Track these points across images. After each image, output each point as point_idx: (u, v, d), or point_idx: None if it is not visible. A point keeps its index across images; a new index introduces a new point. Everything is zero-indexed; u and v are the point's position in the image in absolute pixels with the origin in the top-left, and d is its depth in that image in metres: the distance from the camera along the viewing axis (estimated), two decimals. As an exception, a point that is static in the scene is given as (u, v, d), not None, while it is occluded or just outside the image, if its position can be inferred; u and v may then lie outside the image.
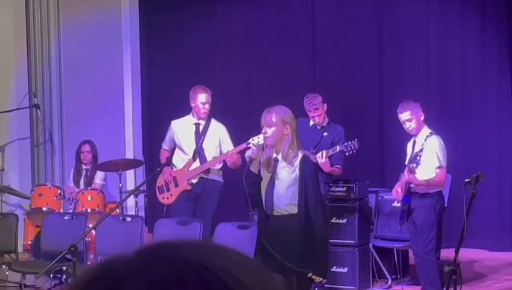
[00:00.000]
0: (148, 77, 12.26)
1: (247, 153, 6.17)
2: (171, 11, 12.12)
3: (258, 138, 7.18)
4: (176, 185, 8.39)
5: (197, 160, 8.34)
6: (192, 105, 8.42)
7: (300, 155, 5.93)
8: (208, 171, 8.35)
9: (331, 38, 11.21)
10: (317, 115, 8.24)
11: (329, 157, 8.00)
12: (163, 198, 8.54)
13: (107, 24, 11.74)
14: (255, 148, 6.16)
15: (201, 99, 8.34)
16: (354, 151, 7.91)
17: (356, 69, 11.04)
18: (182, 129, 8.50)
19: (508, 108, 10.18)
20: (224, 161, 8.31)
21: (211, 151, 8.38)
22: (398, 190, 7.51)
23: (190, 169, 8.33)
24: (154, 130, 11.60)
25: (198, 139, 8.39)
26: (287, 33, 11.52)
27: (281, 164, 5.94)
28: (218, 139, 8.40)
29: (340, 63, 11.15)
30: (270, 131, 5.91)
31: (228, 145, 8.38)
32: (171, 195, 8.44)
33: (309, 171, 5.91)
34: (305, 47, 11.45)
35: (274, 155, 5.98)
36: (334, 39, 11.19)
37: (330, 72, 11.15)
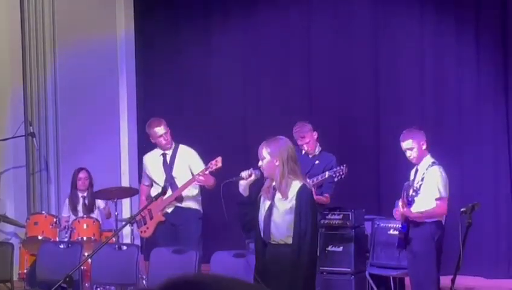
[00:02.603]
0: (144, 105, 12.27)
1: (242, 174, 6.27)
2: (168, 39, 12.16)
3: (216, 161, 7.39)
4: (151, 218, 8.41)
5: (169, 190, 8.32)
6: (153, 141, 8.49)
7: (298, 185, 5.95)
8: (181, 199, 8.33)
9: (327, 60, 11.22)
10: (304, 143, 8.26)
11: (321, 185, 8.01)
12: (141, 231, 8.57)
13: (103, 53, 11.78)
14: (250, 171, 6.25)
15: (159, 132, 8.40)
16: (343, 176, 7.92)
17: (352, 98, 11.05)
18: (151, 162, 8.58)
19: (503, 136, 10.18)
20: (201, 189, 8.36)
21: (182, 178, 8.38)
22: (397, 213, 7.43)
23: (163, 199, 8.32)
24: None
25: (167, 169, 8.41)
26: (284, 56, 11.55)
27: (278, 193, 6.00)
28: (188, 165, 8.41)
29: (336, 93, 11.16)
30: (263, 164, 6.04)
31: (198, 169, 8.36)
32: (147, 228, 8.45)
33: (304, 201, 5.91)
34: (302, 68, 11.46)
35: (273, 183, 6.04)
36: (329, 62, 11.19)
37: (326, 100, 11.16)
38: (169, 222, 8.32)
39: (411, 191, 7.30)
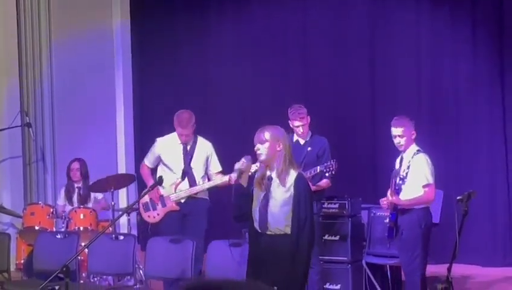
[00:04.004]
0: (140, 94, 12.27)
1: (236, 166, 6.08)
2: (163, 29, 12.15)
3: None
4: (164, 205, 8.34)
5: (186, 179, 8.31)
6: (177, 131, 8.41)
7: (294, 174, 5.88)
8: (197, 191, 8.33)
9: (323, 53, 11.24)
10: (302, 124, 8.20)
11: (313, 176, 7.99)
12: (148, 216, 8.47)
13: (99, 42, 11.77)
14: (244, 160, 6.08)
15: (179, 132, 8.30)
16: (333, 172, 7.91)
17: (348, 87, 11.06)
18: (168, 148, 8.44)
19: (499, 126, 10.20)
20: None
21: (199, 170, 8.36)
22: (385, 202, 7.49)
23: (178, 189, 8.28)
24: (146, 147, 11.53)
25: (186, 159, 8.35)
26: (280, 49, 11.55)
27: (275, 183, 5.89)
28: (206, 157, 8.39)
29: (332, 81, 11.17)
30: (262, 147, 5.85)
31: (215, 163, 8.38)
32: (157, 214, 8.38)
33: (303, 190, 5.85)
34: (297, 62, 11.47)
35: (268, 173, 5.93)
36: (326, 55, 11.21)
37: (322, 91, 11.17)
38: (182, 212, 8.30)
39: (397, 179, 7.35)
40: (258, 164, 6.16)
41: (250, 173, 6.11)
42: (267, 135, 5.84)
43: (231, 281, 1.13)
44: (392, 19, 10.84)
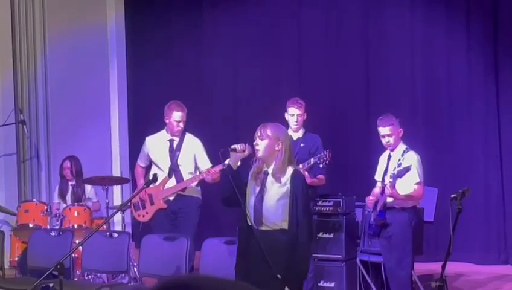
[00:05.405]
0: (134, 92, 12.26)
1: (234, 145, 6.12)
2: (158, 27, 12.14)
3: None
4: (152, 203, 8.34)
5: (173, 177, 8.29)
6: (167, 121, 8.36)
7: (291, 170, 5.89)
8: (184, 188, 8.30)
9: (317, 50, 11.25)
10: (298, 113, 8.16)
11: (309, 170, 7.99)
12: (138, 215, 8.48)
13: (94, 40, 11.75)
14: (244, 144, 6.13)
15: (176, 117, 8.28)
16: (327, 162, 7.90)
17: (342, 86, 11.07)
18: (155, 145, 8.44)
19: (494, 124, 10.21)
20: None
21: (186, 167, 8.33)
22: (371, 199, 7.51)
23: (166, 187, 8.27)
24: (141, 145, 11.58)
25: (172, 156, 8.32)
26: (274, 45, 11.55)
27: (270, 178, 5.90)
28: (194, 155, 8.36)
29: (327, 82, 11.17)
30: (261, 144, 5.85)
31: (204, 160, 8.34)
32: (146, 213, 8.38)
33: (300, 187, 5.86)
34: (292, 58, 11.48)
35: (264, 168, 5.94)
36: (320, 52, 11.22)
37: (316, 88, 11.17)
38: (171, 209, 8.28)
39: (387, 178, 7.34)
40: (247, 147, 6.19)
41: (241, 158, 6.12)
42: (268, 132, 5.83)
43: (208, 279, 1.12)
44: (387, 16, 10.85)
